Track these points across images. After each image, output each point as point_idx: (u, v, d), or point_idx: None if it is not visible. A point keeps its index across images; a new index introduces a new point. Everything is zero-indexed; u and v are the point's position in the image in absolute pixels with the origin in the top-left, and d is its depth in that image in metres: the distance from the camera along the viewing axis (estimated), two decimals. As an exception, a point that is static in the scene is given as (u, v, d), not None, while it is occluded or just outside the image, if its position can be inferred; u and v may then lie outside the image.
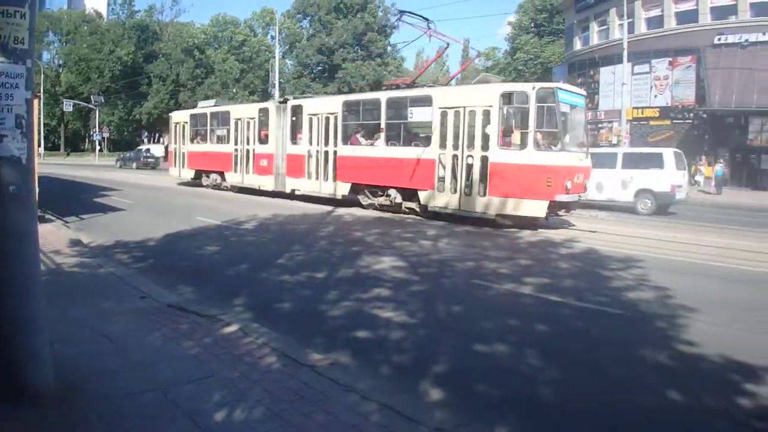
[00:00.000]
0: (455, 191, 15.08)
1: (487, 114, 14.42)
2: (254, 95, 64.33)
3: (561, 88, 14.35)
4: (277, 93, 46.08)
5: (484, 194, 14.44)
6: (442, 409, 4.42)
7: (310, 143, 19.01)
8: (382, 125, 16.86)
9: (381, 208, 17.40)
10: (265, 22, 68.95)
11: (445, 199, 15.34)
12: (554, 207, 14.08)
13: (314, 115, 18.94)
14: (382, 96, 17.11)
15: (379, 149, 16.91)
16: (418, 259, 10.42)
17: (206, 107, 24.95)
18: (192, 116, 25.34)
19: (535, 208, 13.95)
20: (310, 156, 19.03)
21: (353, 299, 7.47)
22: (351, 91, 58.12)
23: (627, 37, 34.48)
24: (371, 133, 17.79)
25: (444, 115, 15.32)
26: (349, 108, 18.50)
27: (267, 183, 20.87)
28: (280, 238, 12.86)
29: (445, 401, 4.60)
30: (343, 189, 18.10)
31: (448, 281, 8.91)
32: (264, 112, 21.32)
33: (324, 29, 64.77)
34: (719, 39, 35.03)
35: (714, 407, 4.65)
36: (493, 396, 4.81)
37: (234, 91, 62.39)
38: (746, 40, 34.00)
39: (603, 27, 43.82)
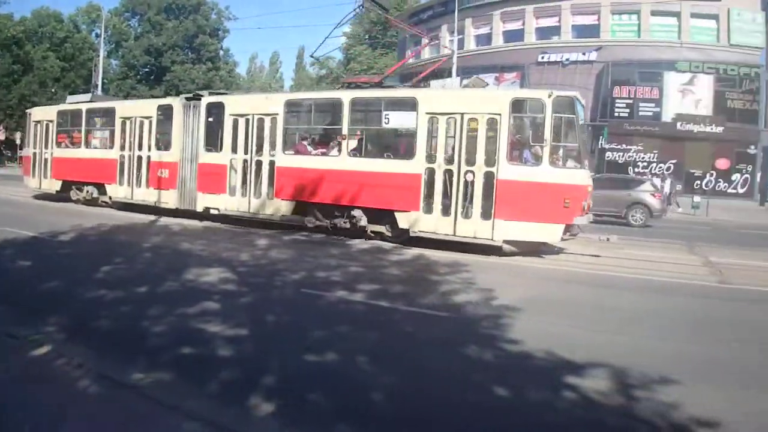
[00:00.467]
0: (448, 213, 11.11)
1: (493, 123, 10.69)
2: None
3: (578, 98, 11.15)
4: (100, 94, 38.04)
5: (489, 217, 10.72)
6: (273, 421, 3.97)
7: (234, 151, 13.71)
8: (345, 131, 12.21)
9: (335, 231, 12.83)
10: (90, 19, 57.36)
11: (433, 223, 11.28)
12: (566, 230, 10.89)
13: (241, 116, 13.68)
14: (345, 96, 12.41)
15: (340, 160, 12.29)
16: (248, 269, 9.18)
17: (80, 102, 17.86)
18: (60, 113, 18.00)
19: (550, 232, 10.64)
20: (233, 167, 13.71)
21: (178, 314, 6.34)
22: (179, 94, 50.59)
23: (457, 53, 33.02)
24: (324, 140, 13.22)
25: (433, 122, 11.28)
26: (295, 109, 13.62)
27: (168, 199, 15.03)
28: (101, 250, 10.67)
29: (276, 414, 4.06)
30: (284, 208, 13.10)
31: (278, 291, 7.85)
32: (165, 110, 15.42)
33: (153, 29, 55.74)
34: (542, 57, 34.71)
35: (539, 400, 4.47)
36: (325, 405, 4.29)
37: (53, 90, 50.92)
38: (567, 59, 33.93)
39: (435, 42, 41.99)
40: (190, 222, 14.22)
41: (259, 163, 13.33)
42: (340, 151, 12.34)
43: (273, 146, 13.16)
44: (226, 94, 16.43)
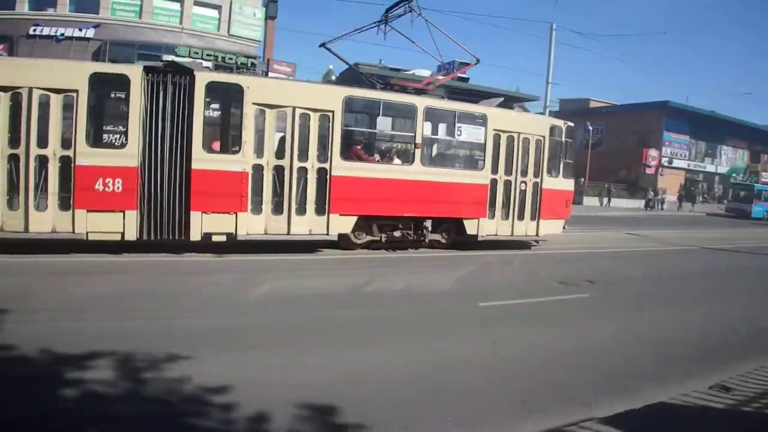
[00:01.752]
0: (507, 217, 11.71)
1: (539, 143, 12.02)
2: None
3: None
4: None
5: (535, 218, 12.05)
6: None
7: (260, 154, 9.14)
8: (419, 139, 10.46)
9: (389, 244, 10.91)
10: None
11: (494, 227, 11.61)
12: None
13: (272, 107, 9.19)
14: (420, 102, 10.49)
15: (414, 170, 10.50)
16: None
17: None
18: None
19: (559, 226, 12.86)
20: (259, 176, 9.11)
21: None
22: None
23: None
24: (375, 147, 10.72)
25: (498, 138, 11.46)
26: (357, 108, 10.28)
27: (115, 225, 8.23)
28: None
29: None
30: (342, 225, 9.90)
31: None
32: (111, 83, 8.33)
33: None
34: (35, 30, 28.98)
35: (35, 407, 3.60)
36: None
37: None
38: (62, 34, 29.02)
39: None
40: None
41: (302, 171, 9.50)
42: (411, 160, 10.54)
43: (324, 151, 9.64)
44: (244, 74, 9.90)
